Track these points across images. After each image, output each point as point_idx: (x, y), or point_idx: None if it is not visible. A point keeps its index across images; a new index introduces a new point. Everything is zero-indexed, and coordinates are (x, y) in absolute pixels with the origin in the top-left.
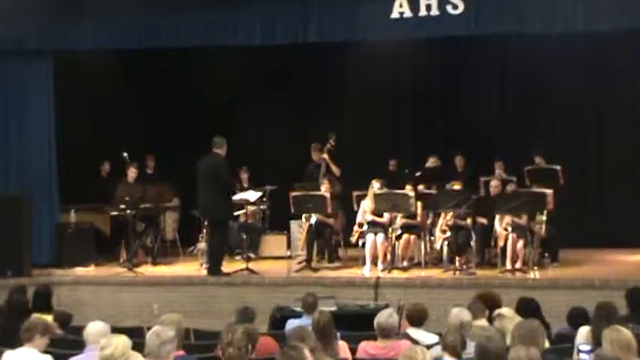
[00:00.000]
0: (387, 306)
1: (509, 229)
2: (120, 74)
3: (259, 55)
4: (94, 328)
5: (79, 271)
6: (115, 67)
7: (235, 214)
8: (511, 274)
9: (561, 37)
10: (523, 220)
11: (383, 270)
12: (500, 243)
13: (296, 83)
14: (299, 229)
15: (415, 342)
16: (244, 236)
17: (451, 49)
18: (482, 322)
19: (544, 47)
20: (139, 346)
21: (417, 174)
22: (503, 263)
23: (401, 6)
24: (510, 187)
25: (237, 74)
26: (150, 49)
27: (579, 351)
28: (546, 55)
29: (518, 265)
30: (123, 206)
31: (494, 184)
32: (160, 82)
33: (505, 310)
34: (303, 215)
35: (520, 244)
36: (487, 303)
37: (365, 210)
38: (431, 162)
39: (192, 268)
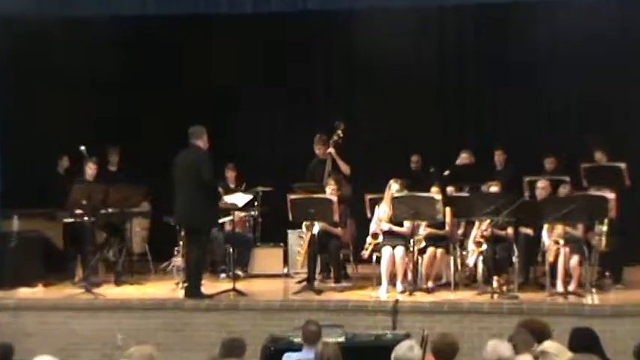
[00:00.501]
0: (407, 336)
1: (561, 241)
2: (78, 45)
3: (252, 28)
4: None
5: (24, 292)
6: (71, 37)
7: (220, 221)
8: (563, 298)
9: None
10: (578, 230)
11: (403, 292)
12: (550, 259)
13: (295, 61)
14: (298, 240)
15: None
16: (231, 249)
17: (488, 17)
18: (527, 358)
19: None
20: None
21: (446, 173)
22: (553, 284)
23: None
24: (563, 190)
25: (222, 48)
26: (119, 16)
27: None
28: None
29: (571, 286)
30: (79, 211)
31: (541, 185)
32: (127, 55)
33: (551, 345)
34: (304, 223)
35: (574, 260)
36: (533, 334)
37: (380, 217)
38: (462, 158)
39: (166, 288)
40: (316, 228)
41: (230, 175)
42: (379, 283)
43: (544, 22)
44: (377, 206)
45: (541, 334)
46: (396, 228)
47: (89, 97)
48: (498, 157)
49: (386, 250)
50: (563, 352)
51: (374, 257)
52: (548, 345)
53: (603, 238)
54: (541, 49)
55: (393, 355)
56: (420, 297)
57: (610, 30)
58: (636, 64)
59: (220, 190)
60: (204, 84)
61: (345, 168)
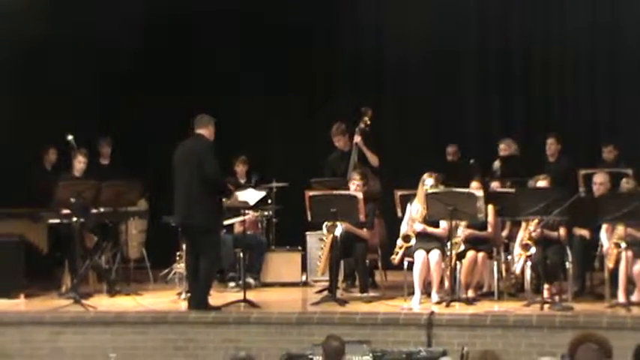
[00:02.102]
0: (444, 354)
1: (623, 244)
2: (63, 28)
3: (268, 11)
4: None
5: (3, 304)
6: (59, 18)
7: (228, 222)
8: (625, 310)
9: None
10: None
11: (439, 302)
12: (609, 265)
13: (315, 39)
14: (319, 244)
15: None
16: (241, 254)
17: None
18: None
19: None
20: None
21: (496, 164)
22: (614, 294)
23: None
24: (625, 184)
25: (227, 28)
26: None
27: None
28: None
29: (635, 296)
30: (67, 211)
31: (599, 179)
32: (119, 37)
33: None
34: (325, 224)
35: (638, 266)
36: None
37: (413, 217)
38: (501, 149)
39: (167, 299)
40: (339, 229)
41: (240, 169)
42: (411, 293)
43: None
44: (409, 204)
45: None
46: (430, 229)
47: (81, 84)
48: (550, 146)
49: (419, 255)
50: None
51: (405, 263)
52: None
53: None
54: (600, 31)
55: None
56: (459, 308)
57: None
58: None
59: (230, 186)
60: (210, 68)
61: (373, 160)
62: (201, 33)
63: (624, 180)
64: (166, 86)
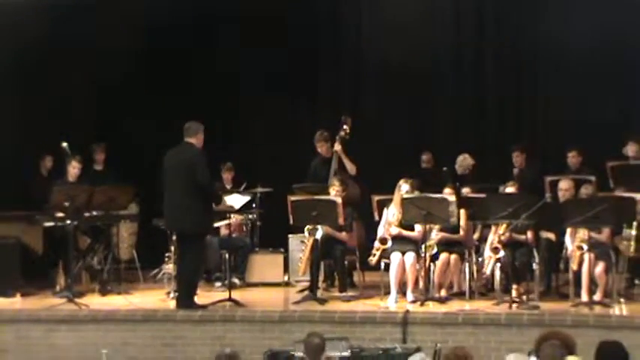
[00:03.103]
0: (418, 350)
1: (585, 247)
2: (61, 39)
3: (252, 16)
4: None
5: (0, 303)
6: (55, 27)
7: (215, 225)
8: (588, 309)
9: None
10: (604, 235)
11: (413, 302)
12: (573, 266)
13: (295, 48)
14: (300, 246)
15: None
16: (226, 255)
17: (509, 8)
18: None
19: None
20: None
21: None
22: (577, 294)
23: None
24: (584, 190)
25: (216, 42)
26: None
27: None
28: None
29: (597, 296)
30: (61, 214)
31: (564, 186)
32: (112, 41)
33: None
34: (306, 227)
35: (600, 267)
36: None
37: (389, 221)
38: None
39: (156, 298)
40: (319, 232)
41: (227, 175)
42: (388, 293)
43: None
44: (385, 209)
45: (565, 347)
46: (406, 232)
47: (76, 93)
48: (516, 158)
49: (395, 257)
50: None
51: (382, 264)
52: None
53: (632, 243)
54: (563, 39)
55: None
56: (433, 307)
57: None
58: None
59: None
60: (199, 77)
61: (351, 167)
62: (181, 36)
63: (583, 186)
64: (157, 93)
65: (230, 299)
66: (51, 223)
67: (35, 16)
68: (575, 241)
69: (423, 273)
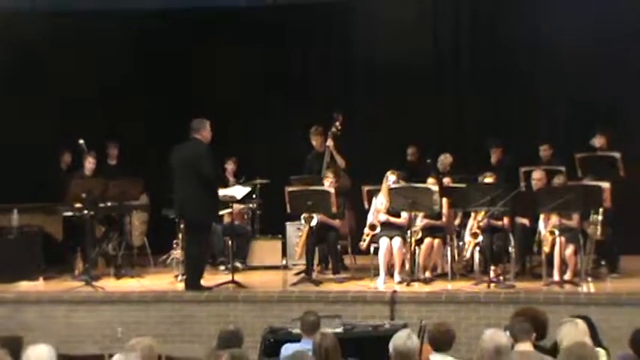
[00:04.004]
0: (405, 326)
1: (557, 231)
2: (77, 41)
3: (249, 17)
4: (36, 356)
5: (24, 286)
6: (67, 33)
7: (219, 214)
8: (559, 287)
9: None
10: (574, 220)
11: (400, 282)
12: (546, 249)
13: (291, 54)
14: (297, 232)
15: None
16: (229, 241)
17: (486, 6)
18: (527, 346)
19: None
20: None
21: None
22: (549, 274)
23: None
24: (557, 180)
25: (215, 42)
26: (111, 10)
27: None
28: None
29: (567, 275)
30: (79, 205)
31: (537, 176)
32: (123, 48)
33: None
34: (302, 216)
35: (570, 249)
36: (529, 323)
37: (378, 208)
38: (441, 159)
39: (166, 281)
40: (314, 220)
41: (230, 168)
42: (377, 274)
43: (544, 10)
44: (374, 198)
45: (537, 323)
46: (393, 219)
47: (91, 93)
48: (494, 154)
49: (383, 241)
50: None
51: (372, 248)
52: None
53: (599, 228)
54: (536, 39)
55: (391, 345)
56: (418, 287)
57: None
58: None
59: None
60: (202, 80)
61: (340, 161)
62: (189, 45)
63: (556, 176)
64: (164, 92)
65: (233, 281)
66: (70, 213)
67: (38, 20)
68: (547, 226)
69: (409, 256)
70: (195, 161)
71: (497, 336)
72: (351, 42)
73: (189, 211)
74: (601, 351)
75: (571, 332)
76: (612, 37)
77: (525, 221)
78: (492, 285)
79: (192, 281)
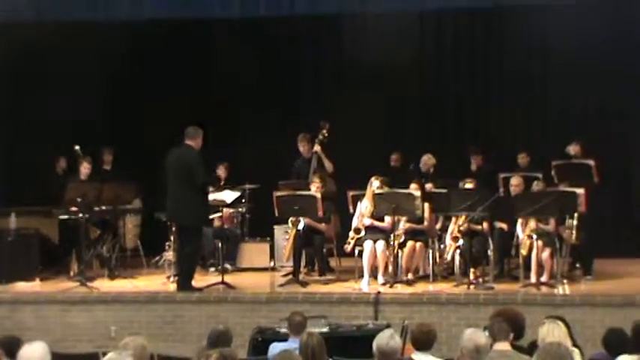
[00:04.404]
0: (388, 326)
1: (534, 235)
2: (75, 54)
3: (239, 30)
4: (31, 353)
5: (21, 286)
6: (66, 42)
7: (210, 217)
8: (536, 289)
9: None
10: (550, 225)
11: (384, 284)
12: (523, 252)
13: (281, 64)
14: (284, 235)
15: None
16: (219, 244)
17: (466, 22)
18: (505, 345)
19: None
20: None
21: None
22: (527, 276)
23: None
24: (536, 186)
25: (210, 51)
26: (110, 22)
27: None
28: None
29: (544, 278)
30: (74, 209)
31: (515, 182)
32: (119, 62)
33: None
34: (289, 219)
35: (546, 253)
36: (507, 323)
37: (362, 213)
38: (423, 160)
39: (158, 282)
40: (301, 223)
41: (221, 173)
42: (361, 276)
43: (519, 25)
44: (359, 202)
45: (514, 323)
46: (377, 223)
47: (87, 100)
48: (474, 161)
49: (367, 244)
50: None
51: (356, 251)
52: None
53: (574, 232)
54: (516, 51)
55: (374, 344)
56: (400, 289)
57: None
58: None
59: (210, 188)
60: (193, 87)
61: (329, 165)
62: (184, 53)
63: (535, 182)
64: (158, 104)
65: (223, 282)
66: (65, 216)
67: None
68: (525, 230)
69: (392, 259)
70: (188, 167)
71: (476, 336)
72: (338, 53)
73: (181, 214)
74: (575, 350)
75: (551, 332)
76: (585, 47)
77: (504, 225)
78: (472, 287)
79: (184, 282)
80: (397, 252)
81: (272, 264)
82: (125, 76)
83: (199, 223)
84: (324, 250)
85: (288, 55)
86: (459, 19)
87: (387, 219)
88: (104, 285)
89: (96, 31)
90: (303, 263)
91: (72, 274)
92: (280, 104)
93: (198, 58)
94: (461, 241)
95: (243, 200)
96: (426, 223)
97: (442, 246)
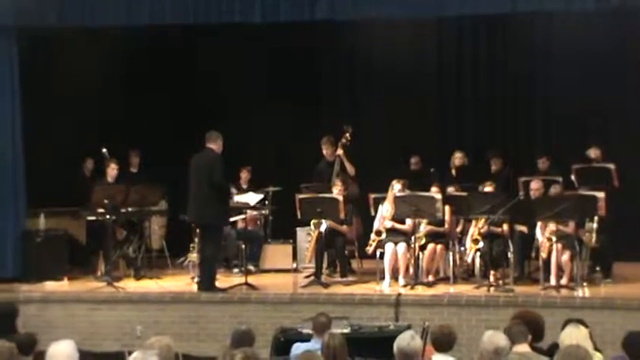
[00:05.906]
0: (409, 327)
1: (554, 238)
2: (102, 57)
3: (260, 37)
4: (59, 351)
5: (50, 286)
6: (93, 49)
7: (233, 219)
8: (555, 292)
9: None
10: (570, 228)
11: (405, 285)
12: (543, 255)
13: (302, 69)
14: (307, 237)
15: None
16: (243, 246)
17: (484, 28)
18: (524, 347)
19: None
20: None
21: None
22: (547, 279)
23: None
24: (553, 190)
25: (234, 59)
26: (133, 28)
27: None
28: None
29: (563, 280)
30: (101, 210)
31: (535, 186)
32: (145, 65)
33: None
34: (312, 221)
35: (566, 256)
36: (527, 325)
37: (384, 215)
38: (457, 157)
39: (182, 282)
40: (324, 226)
41: (244, 176)
42: (382, 278)
43: (539, 32)
44: (380, 205)
45: (534, 325)
46: (398, 225)
47: (115, 104)
48: (495, 164)
49: (389, 247)
50: None
51: (378, 253)
52: None
53: (593, 235)
54: (535, 58)
55: (395, 345)
56: (421, 290)
57: (601, 40)
58: (629, 73)
59: (233, 190)
60: (218, 92)
61: (351, 169)
62: (207, 57)
63: (553, 186)
64: (182, 109)
65: (246, 283)
66: (93, 218)
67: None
68: (544, 233)
69: (412, 261)
70: (209, 169)
71: (496, 338)
72: (358, 59)
73: (201, 214)
74: (597, 354)
75: (573, 335)
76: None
77: (524, 228)
78: (492, 289)
79: (207, 283)
80: (418, 254)
81: (294, 265)
82: (151, 79)
83: (218, 223)
84: (346, 252)
85: (310, 60)
86: (477, 25)
87: (408, 221)
88: (130, 285)
89: (122, 35)
90: (325, 265)
91: (99, 274)
92: (303, 108)
93: (225, 62)
94: (481, 244)
95: (267, 202)
96: (446, 225)
97: (462, 248)
